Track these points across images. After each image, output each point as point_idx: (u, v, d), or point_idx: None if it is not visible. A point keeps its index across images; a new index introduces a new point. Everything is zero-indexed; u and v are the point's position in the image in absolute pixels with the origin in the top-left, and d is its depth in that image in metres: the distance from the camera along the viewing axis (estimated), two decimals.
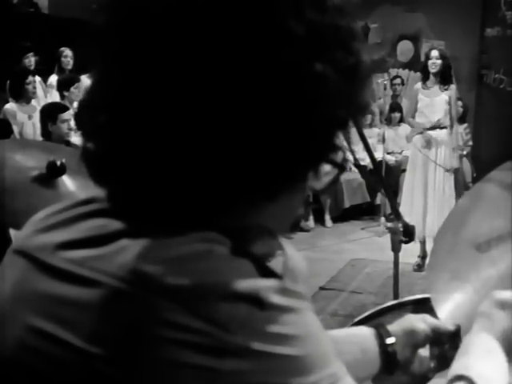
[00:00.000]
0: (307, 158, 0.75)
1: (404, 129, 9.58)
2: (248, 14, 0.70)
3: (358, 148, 8.22)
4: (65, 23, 9.59)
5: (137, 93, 0.72)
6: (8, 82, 7.73)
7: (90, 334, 0.69)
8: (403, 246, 7.80)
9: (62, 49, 8.30)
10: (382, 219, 8.73)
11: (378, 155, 9.25)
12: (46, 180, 1.93)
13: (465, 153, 8.95)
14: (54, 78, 8.05)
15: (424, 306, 1.62)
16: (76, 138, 6.19)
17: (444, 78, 6.46)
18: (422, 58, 11.33)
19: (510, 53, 10.78)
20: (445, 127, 6.55)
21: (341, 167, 0.81)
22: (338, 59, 0.73)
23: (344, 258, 7.17)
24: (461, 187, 8.33)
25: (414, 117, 6.60)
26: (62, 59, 8.16)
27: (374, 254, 7.37)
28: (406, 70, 11.34)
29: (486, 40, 10.86)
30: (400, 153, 9.28)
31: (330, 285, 6.23)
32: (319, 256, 7.31)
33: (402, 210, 6.74)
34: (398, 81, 9.92)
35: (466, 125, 9.47)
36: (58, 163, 1.93)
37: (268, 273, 0.72)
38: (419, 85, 6.60)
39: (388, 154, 9.24)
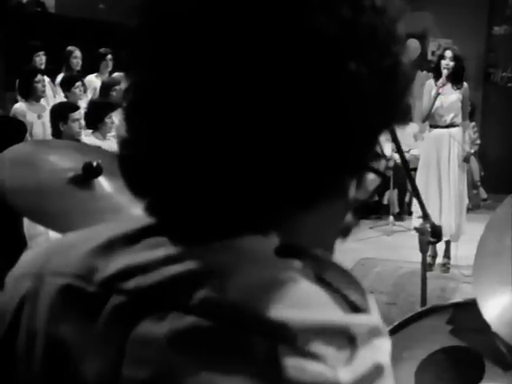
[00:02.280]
0: (345, 164, 0.72)
1: (411, 127, 9.56)
2: (278, 11, 0.68)
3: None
4: (71, 23, 9.59)
5: (176, 97, 0.70)
6: (17, 81, 7.74)
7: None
8: (412, 244, 7.76)
9: (71, 49, 8.29)
10: (391, 218, 8.72)
11: (386, 154, 9.24)
12: (82, 181, 1.91)
13: (472, 151, 8.93)
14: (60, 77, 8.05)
15: (464, 310, 1.60)
16: (86, 138, 6.19)
17: (456, 79, 6.45)
18: (429, 57, 11.37)
19: None
20: (457, 126, 6.54)
21: (382, 175, 0.79)
22: (374, 60, 0.70)
23: (353, 258, 7.15)
24: (469, 186, 8.33)
25: (429, 116, 6.56)
26: (72, 60, 8.16)
27: (383, 253, 7.36)
28: (414, 69, 11.32)
29: (493, 38, 10.85)
30: (408, 151, 9.26)
31: None
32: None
33: (417, 209, 6.74)
34: None
35: (473, 123, 9.46)
36: (94, 164, 1.90)
37: (354, 307, 0.68)
38: (431, 83, 6.58)
39: (394, 152, 9.21)
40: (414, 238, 7.90)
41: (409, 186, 9.24)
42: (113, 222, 0.83)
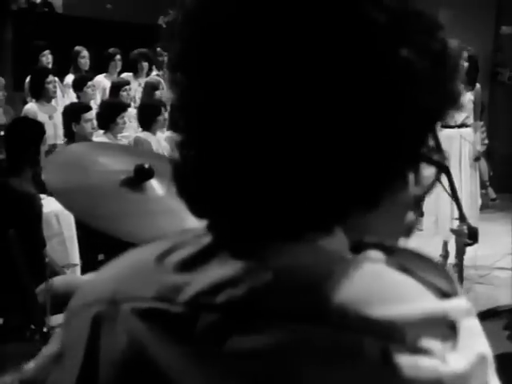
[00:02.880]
0: (405, 153, 0.71)
1: None
2: (329, 5, 0.68)
3: None
4: (79, 23, 9.58)
5: (228, 107, 0.69)
6: (26, 81, 7.72)
7: None
8: (423, 245, 7.78)
9: (79, 49, 8.27)
10: None
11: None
12: (135, 184, 1.90)
13: (481, 151, 8.91)
14: (70, 78, 8.03)
15: None
16: (97, 138, 6.18)
17: (469, 80, 6.45)
18: None
19: None
20: (469, 126, 6.53)
21: (442, 166, 0.78)
22: (422, 45, 0.70)
23: None
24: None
25: None
26: (80, 60, 8.15)
27: None
28: None
29: (500, 38, 10.83)
30: None
31: None
32: None
33: (428, 209, 6.72)
34: None
35: (482, 123, 9.44)
36: (146, 166, 1.89)
37: (443, 293, 0.67)
38: None
39: None
40: (424, 237, 7.95)
41: None
42: (170, 239, 0.81)
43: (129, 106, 6.86)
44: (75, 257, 4.92)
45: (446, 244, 6.74)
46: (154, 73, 8.92)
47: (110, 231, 1.92)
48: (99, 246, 5.88)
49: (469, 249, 6.54)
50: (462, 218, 2.20)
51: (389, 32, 0.69)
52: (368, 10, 0.68)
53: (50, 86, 6.70)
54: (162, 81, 8.49)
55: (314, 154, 0.68)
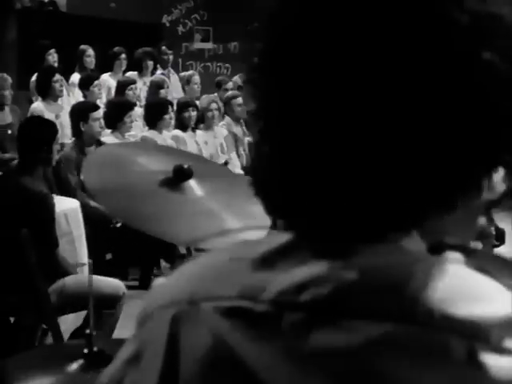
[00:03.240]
0: (485, 159, 0.71)
1: None
2: (411, 5, 0.68)
3: None
4: (83, 22, 9.57)
5: (314, 106, 0.69)
6: (31, 80, 7.70)
7: None
8: None
9: (84, 47, 8.26)
10: None
11: None
12: (174, 184, 1.88)
13: None
14: (75, 77, 8.02)
15: None
16: (105, 137, 6.18)
17: None
18: None
19: None
20: None
21: None
22: (503, 47, 0.70)
23: None
24: None
25: None
26: (85, 58, 8.13)
27: None
28: None
29: None
30: None
31: None
32: None
33: None
34: None
35: None
36: (186, 167, 1.88)
37: None
38: None
39: None
40: None
41: None
42: (246, 240, 0.81)
43: (134, 104, 6.85)
44: (84, 256, 4.91)
45: None
46: (159, 72, 8.91)
47: (151, 232, 1.91)
48: (107, 245, 5.90)
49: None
50: (490, 218, 2.18)
51: (471, 33, 0.68)
52: (450, 10, 0.68)
53: (57, 85, 6.68)
54: (167, 80, 8.50)
55: (401, 156, 0.68)
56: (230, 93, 8.28)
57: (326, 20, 0.69)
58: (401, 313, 0.64)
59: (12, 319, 4.09)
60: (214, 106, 7.49)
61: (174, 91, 8.80)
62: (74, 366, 1.51)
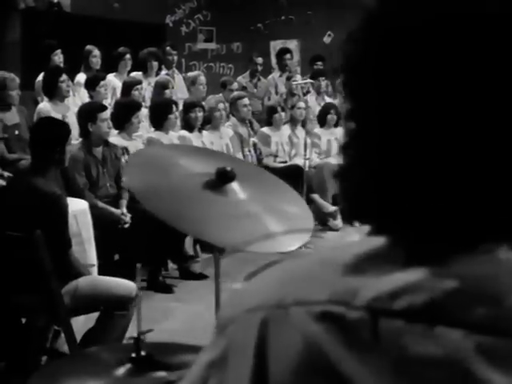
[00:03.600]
0: None
1: None
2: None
3: None
4: (87, 22, 9.56)
5: (416, 109, 0.69)
6: (37, 80, 7.68)
7: None
8: None
9: (90, 48, 8.24)
10: None
11: None
12: (217, 186, 1.87)
13: None
14: (81, 77, 8.00)
15: None
16: (112, 138, 6.16)
17: None
18: None
19: None
20: None
21: None
22: None
23: None
24: None
25: None
26: (91, 59, 8.11)
27: None
28: None
29: None
30: None
31: None
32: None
33: None
34: None
35: None
36: (228, 169, 1.87)
37: None
38: None
39: None
40: None
41: None
42: (334, 244, 0.80)
43: (141, 105, 6.84)
44: (93, 257, 4.90)
45: None
46: (164, 72, 8.89)
47: (196, 234, 1.90)
48: (115, 246, 5.88)
49: None
50: None
51: None
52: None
53: (64, 85, 6.66)
54: (172, 80, 8.50)
55: (499, 164, 0.67)
56: (235, 93, 8.27)
57: (430, 21, 0.68)
58: (499, 325, 0.64)
59: (23, 320, 4.07)
60: (221, 105, 7.48)
61: (179, 92, 8.78)
62: (122, 371, 1.50)
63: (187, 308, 5.62)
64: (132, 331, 4.15)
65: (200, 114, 7.14)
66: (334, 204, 8.33)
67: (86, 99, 7.55)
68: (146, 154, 2.07)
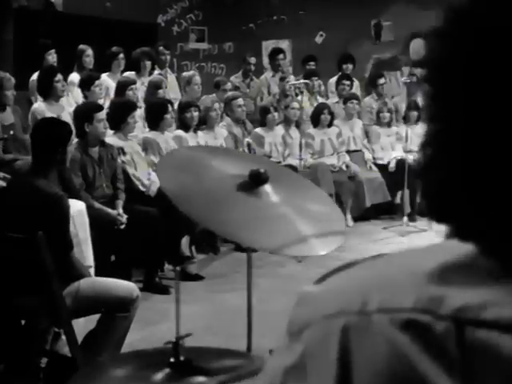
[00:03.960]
0: None
1: (421, 127, 9.55)
2: None
3: (378, 147, 8.13)
4: (79, 21, 9.52)
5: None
6: (31, 80, 7.63)
7: None
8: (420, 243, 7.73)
9: (83, 47, 8.19)
10: (405, 219, 8.71)
11: (397, 154, 9.24)
12: (250, 188, 1.86)
13: None
14: (74, 76, 7.95)
15: None
16: (108, 138, 6.14)
17: None
18: None
19: None
20: None
21: None
22: None
23: None
24: None
25: None
26: (84, 58, 8.07)
27: None
28: (419, 69, 11.32)
29: None
30: (418, 151, 9.26)
31: None
32: (350, 256, 7.27)
33: None
34: (413, 79, 9.87)
35: None
36: (262, 171, 1.86)
37: None
38: None
39: (405, 152, 9.21)
40: (427, 238, 7.99)
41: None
42: (415, 248, 0.79)
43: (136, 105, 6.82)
44: (90, 258, 4.89)
45: None
46: (157, 72, 8.86)
47: (230, 236, 1.90)
48: (111, 247, 5.86)
49: None
50: None
51: None
52: None
53: (59, 85, 6.62)
54: (165, 80, 8.48)
55: None
56: (230, 93, 8.26)
57: None
58: None
59: (23, 322, 4.05)
60: (217, 105, 7.48)
61: (172, 91, 8.76)
62: (160, 376, 1.49)
63: (185, 309, 5.58)
64: (131, 334, 4.15)
65: (196, 114, 7.14)
66: None
67: (80, 99, 7.51)
68: (178, 155, 2.06)
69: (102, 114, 5.87)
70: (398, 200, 9.16)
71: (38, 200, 3.73)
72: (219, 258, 7.18)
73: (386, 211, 9.24)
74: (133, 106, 6.41)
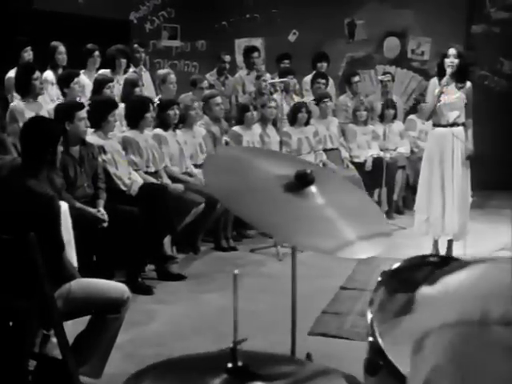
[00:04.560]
0: None
1: (397, 126, 9.59)
2: None
3: (354, 145, 8.12)
4: (51, 17, 9.37)
5: None
6: (6, 77, 7.49)
7: None
8: (408, 243, 7.77)
9: (55, 44, 8.03)
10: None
11: (373, 152, 9.25)
12: (296, 189, 1.83)
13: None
14: (48, 74, 7.81)
15: None
16: (89, 137, 6.04)
17: (461, 76, 6.48)
18: (409, 55, 11.43)
19: (495, 50, 10.91)
20: (461, 125, 6.56)
21: None
22: None
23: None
24: None
25: (432, 115, 6.56)
26: (57, 56, 7.92)
27: (382, 251, 7.33)
28: (393, 67, 11.37)
29: (471, 37, 10.95)
30: (394, 149, 9.28)
31: (350, 284, 6.18)
32: (327, 255, 7.25)
33: (419, 207, 6.74)
34: (388, 77, 9.90)
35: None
36: (308, 172, 1.83)
37: None
38: (435, 82, 6.57)
39: (382, 150, 9.24)
40: (408, 236, 8.00)
41: (397, 183, 9.26)
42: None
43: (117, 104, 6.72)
44: (74, 259, 4.81)
45: (436, 242, 6.77)
46: (131, 70, 8.76)
47: (279, 237, 1.87)
48: (93, 247, 5.78)
49: (456, 247, 6.60)
50: None
51: None
52: None
53: (37, 83, 6.50)
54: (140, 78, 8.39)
55: None
56: (208, 92, 8.20)
57: None
58: None
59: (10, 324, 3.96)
60: (196, 104, 7.42)
61: (146, 90, 8.68)
62: (218, 381, 1.44)
63: (169, 309, 5.55)
64: (119, 336, 4.08)
65: (177, 112, 7.09)
66: None
67: (55, 97, 7.40)
68: (223, 155, 2.02)
69: (83, 113, 5.78)
70: (375, 198, 9.18)
71: (29, 200, 3.65)
72: (199, 257, 7.13)
73: None
74: (113, 104, 6.33)
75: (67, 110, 5.74)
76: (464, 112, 6.55)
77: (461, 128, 6.55)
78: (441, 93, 6.42)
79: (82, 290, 3.85)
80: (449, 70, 6.42)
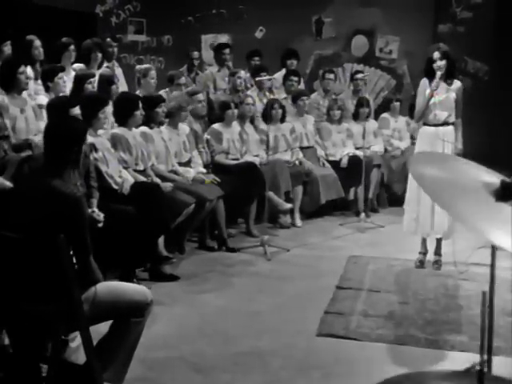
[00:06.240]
0: None
1: (372, 124, 9.62)
2: None
3: (329, 143, 8.09)
4: (10, 6, 9.09)
5: None
6: None
7: None
8: (388, 241, 7.77)
9: (31, 38, 7.77)
10: (363, 215, 8.76)
11: (349, 151, 9.27)
12: (501, 197, 1.79)
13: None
14: (27, 69, 7.56)
15: None
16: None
17: (449, 75, 6.54)
18: (377, 53, 11.49)
19: (460, 49, 11.06)
20: (450, 124, 6.60)
21: None
22: None
23: (341, 255, 7.14)
24: None
25: (423, 115, 6.58)
26: (34, 51, 7.67)
27: (367, 250, 7.37)
28: (361, 65, 11.41)
29: (438, 36, 11.09)
30: (368, 148, 9.31)
31: (344, 284, 6.16)
32: (315, 253, 7.25)
33: (409, 206, 6.76)
34: (367, 76, 9.93)
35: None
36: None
37: None
38: (426, 82, 6.59)
39: (357, 149, 9.26)
40: (388, 234, 8.03)
41: (371, 182, 9.29)
42: None
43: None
44: None
45: (425, 241, 6.80)
46: (105, 65, 8.58)
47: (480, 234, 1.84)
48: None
49: (445, 244, 6.63)
50: None
51: None
52: None
53: (22, 77, 6.27)
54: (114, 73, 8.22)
55: None
56: (189, 89, 8.08)
57: None
58: None
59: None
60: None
61: (121, 86, 8.51)
62: None
63: (169, 311, 5.44)
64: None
65: (165, 110, 6.97)
66: (286, 200, 8.28)
67: (33, 91, 7.17)
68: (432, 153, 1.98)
69: (77, 110, 5.63)
70: (351, 196, 9.20)
71: (56, 201, 3.51)
72: (185, 257, 7.02)
73: (336, 207, 9.26)
74: (104, 102, 6.17)
75: (61, 107, 5.57)
76: (454, 112, 6.60)
77: (451, 127, 6.59)
78: (431, 96, 6.47)
79: (108, 293, 3.73)
80: (439, 74, 6.47)
